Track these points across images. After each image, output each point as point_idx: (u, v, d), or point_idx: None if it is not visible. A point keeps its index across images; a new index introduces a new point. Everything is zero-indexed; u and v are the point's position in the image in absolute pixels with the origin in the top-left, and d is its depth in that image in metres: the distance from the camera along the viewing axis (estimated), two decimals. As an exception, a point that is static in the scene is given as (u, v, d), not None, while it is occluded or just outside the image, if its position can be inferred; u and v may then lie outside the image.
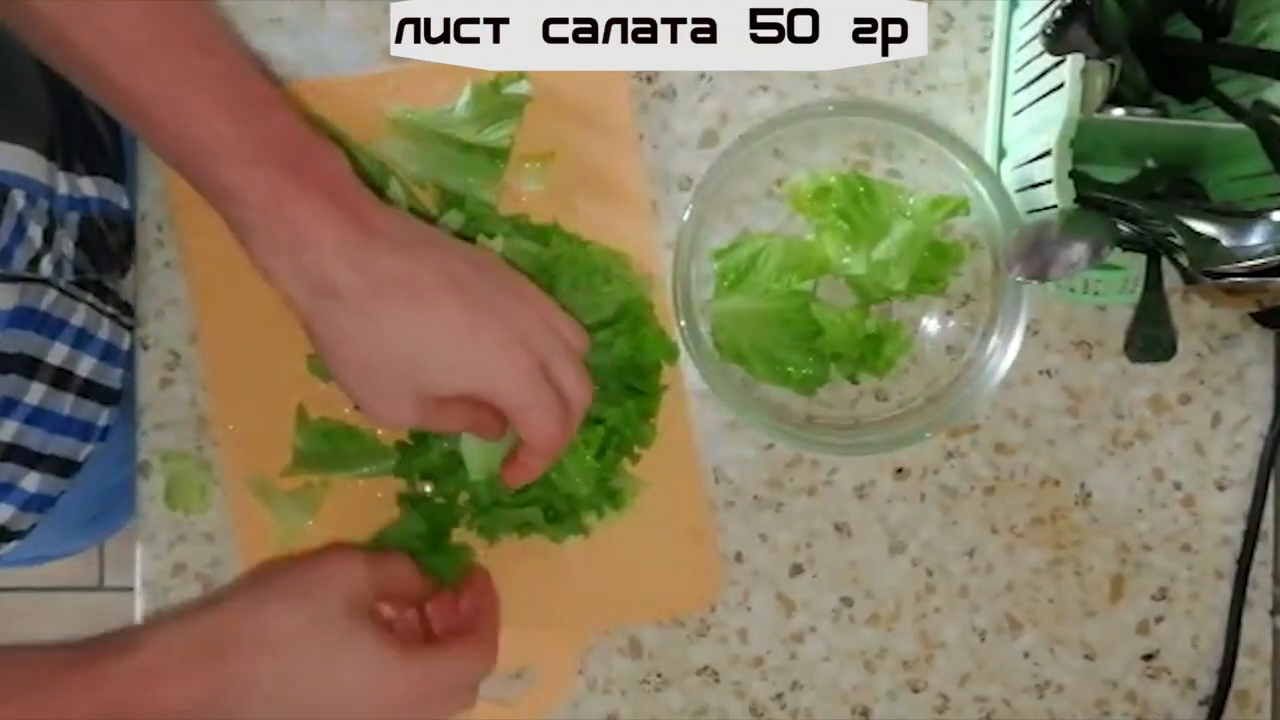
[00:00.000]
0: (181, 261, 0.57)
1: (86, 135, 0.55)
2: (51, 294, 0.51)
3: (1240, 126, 0.46)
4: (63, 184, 0.51)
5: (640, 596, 0.57)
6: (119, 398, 0.58)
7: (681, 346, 0.55)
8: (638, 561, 0.56)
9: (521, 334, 0.45)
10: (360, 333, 0.42)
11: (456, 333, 0.43)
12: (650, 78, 0.57)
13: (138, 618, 0.58)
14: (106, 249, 0.55)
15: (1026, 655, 0.58)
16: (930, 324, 0.57)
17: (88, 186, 0.54)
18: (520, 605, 0.56)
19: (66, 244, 0.51)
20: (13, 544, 0.57)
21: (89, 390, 0.56)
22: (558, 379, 0.46)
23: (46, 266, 0.49)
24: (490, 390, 0.44)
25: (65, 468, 0.56)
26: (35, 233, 0.47)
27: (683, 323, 0.53)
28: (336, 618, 0.44)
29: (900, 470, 0.58)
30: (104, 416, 0.58)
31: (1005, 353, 0.54)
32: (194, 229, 0.57)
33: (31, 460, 0.53)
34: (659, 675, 0.58)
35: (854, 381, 0.57)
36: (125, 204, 0.58)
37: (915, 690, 0.58)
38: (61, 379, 0.53)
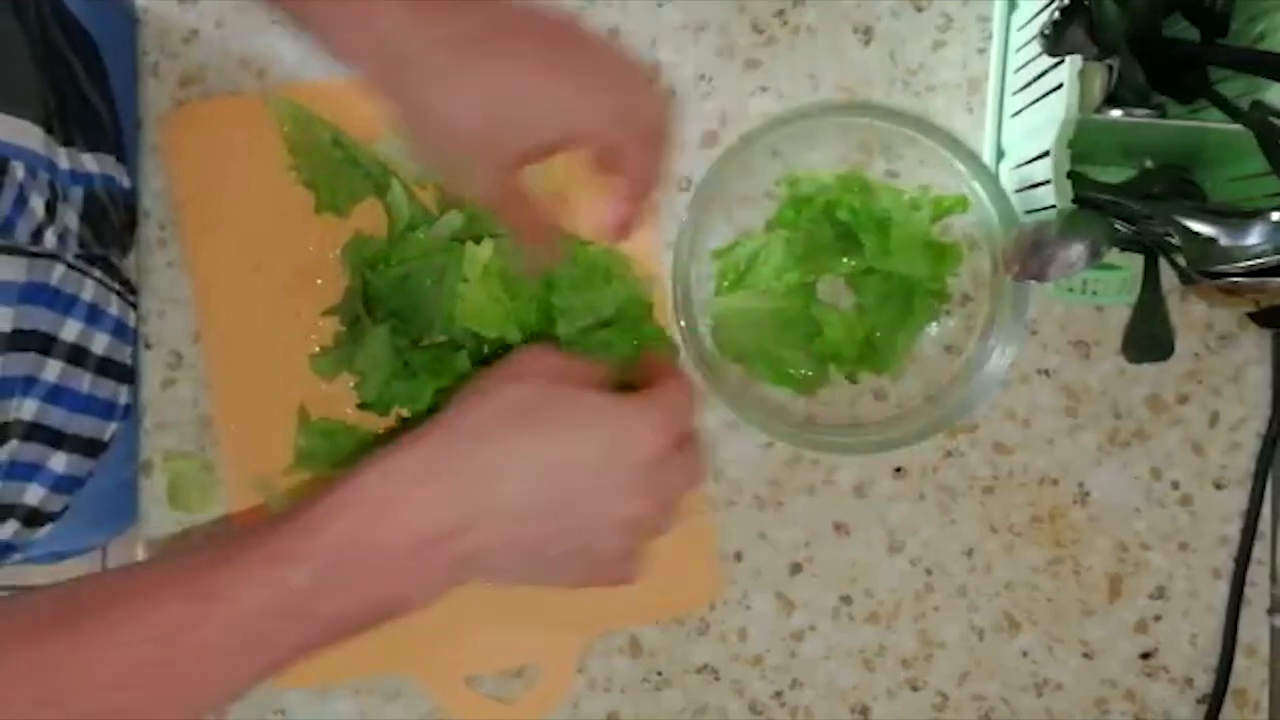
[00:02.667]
0: (184, 260, 0.57)
1: (85, 112, 0.55)
2: (60, 269, 0.51)
3: (1238, 127, 0.46)
4: (64, 158, 0.51)
5: (640, 597, 0.57)
6: (134, 376, 0.58)
7: (681, 346, 0.55)
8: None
9: (598, 73, 0.43)
10: (439, 98, 0.41)
11: (533, 75, 0.41)
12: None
13: (140, 616, 0.59)
14: (110, 225, 0.55)
15: (1025, 654, 0.59)
16: (930, 324, 0.57)
17: (89, 162, 0.54)
18: (520, 606, 0.56)
19: (70, 218, 0.51)
20: (47, 527, 0.57)
21: (105, 367, 0.56)
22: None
23: (50, 239, 0.48)
24: (574, 130, 0.42)
25: (91, 447, 0.56)
26: (38, 204, 0.47)
27: (683, 322, 0.54)
28: (554, 388, 0.44)
29: (899, 470, 0.58)
30: (123, 395, 0.58)
31: (1004, 353, 0.54)
32: (197, 227, 0.57)
33: (56, 440, 0.53)
34: (659, 674, 0.58)
35: (854, 381, 0.57)
36: (127, 183, 0.58)
37: (914, 689, 0.59)
38: (77, 356, 0.53)
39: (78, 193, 0.52)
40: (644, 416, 0.44)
